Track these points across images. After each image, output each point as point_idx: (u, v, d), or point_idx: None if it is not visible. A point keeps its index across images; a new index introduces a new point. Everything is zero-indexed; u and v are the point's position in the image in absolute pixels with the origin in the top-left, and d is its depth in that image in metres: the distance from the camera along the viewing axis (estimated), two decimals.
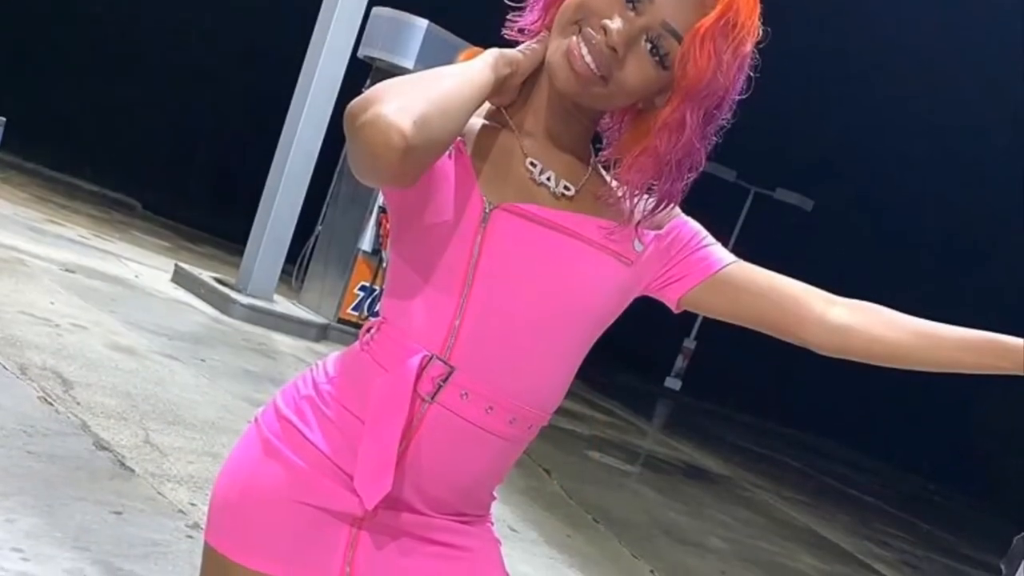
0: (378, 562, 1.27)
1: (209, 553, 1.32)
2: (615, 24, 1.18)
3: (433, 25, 8.18)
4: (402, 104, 1.05)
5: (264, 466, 1.29)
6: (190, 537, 3.29)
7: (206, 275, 8.41)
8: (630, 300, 1.34)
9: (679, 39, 1.18)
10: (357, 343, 1.32)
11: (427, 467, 1.25)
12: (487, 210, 1.22)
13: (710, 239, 1.37)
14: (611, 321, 1.33)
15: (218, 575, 1.31)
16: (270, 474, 1.28)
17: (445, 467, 1.25)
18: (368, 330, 1.30)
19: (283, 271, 8.44)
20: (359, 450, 1.23)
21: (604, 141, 1.35)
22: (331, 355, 1.36)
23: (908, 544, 9.70)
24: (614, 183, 1.30)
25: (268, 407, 1.35)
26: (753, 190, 18.82)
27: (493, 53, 1.23)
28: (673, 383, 18.07)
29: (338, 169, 8.86)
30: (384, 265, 8.22)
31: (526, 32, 1.30)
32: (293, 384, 1.35)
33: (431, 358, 1.22)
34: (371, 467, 1.21)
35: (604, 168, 1.33)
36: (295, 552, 1.27)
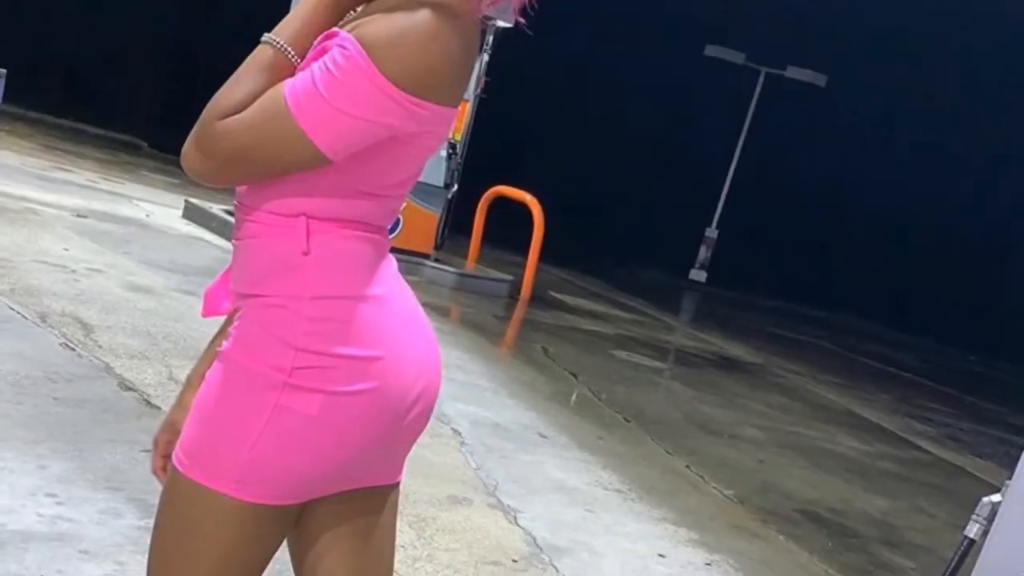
0: None
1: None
2: None
3: None
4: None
5: None
6: None
7: (216, 208, 8.38)
8: None
9: None
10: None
11: None
12: None
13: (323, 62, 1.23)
14: None
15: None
16: None
17: None
18: None
19: None
20: None
21: None
22: None
23: (952, 418, 9.48)
24: None
25: None
26: (764, 71, 18.34)
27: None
28: (698, 275, 17.93)
29: None
30: None
31: None
32: None
33: None
34: None
35: None
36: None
